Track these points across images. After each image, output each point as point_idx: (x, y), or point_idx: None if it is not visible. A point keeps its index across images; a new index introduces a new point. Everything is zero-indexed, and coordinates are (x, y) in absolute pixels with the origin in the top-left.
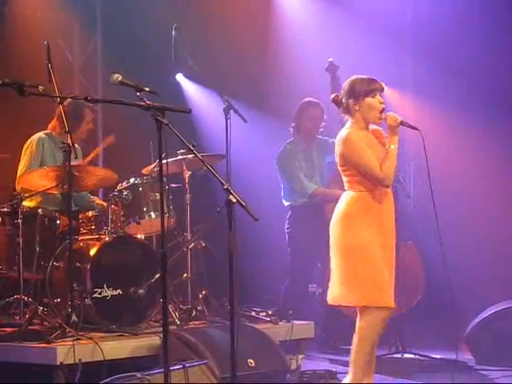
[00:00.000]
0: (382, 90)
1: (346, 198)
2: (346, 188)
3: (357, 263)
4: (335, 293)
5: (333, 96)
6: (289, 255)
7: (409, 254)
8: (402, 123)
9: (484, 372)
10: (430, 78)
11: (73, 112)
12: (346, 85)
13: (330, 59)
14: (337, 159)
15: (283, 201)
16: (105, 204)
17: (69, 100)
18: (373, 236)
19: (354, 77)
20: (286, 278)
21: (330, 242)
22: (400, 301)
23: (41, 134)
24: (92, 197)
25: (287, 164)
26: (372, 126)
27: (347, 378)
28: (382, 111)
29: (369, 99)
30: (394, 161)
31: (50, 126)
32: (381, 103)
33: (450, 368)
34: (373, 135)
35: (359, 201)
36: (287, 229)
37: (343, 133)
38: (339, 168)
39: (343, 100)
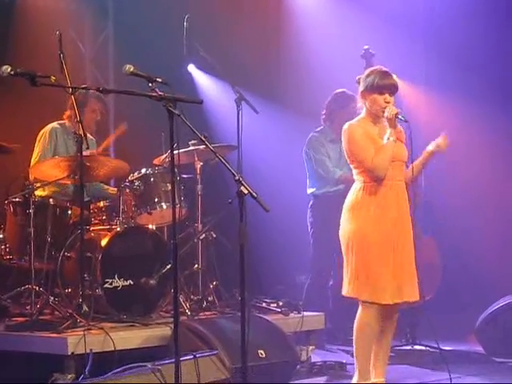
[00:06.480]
0: (394, 89)
1: (352, 188)
2: (354, 179)
3: (353, 256)
4: (343, 285)
5: (358, 77)
6: (311, 247)
7: (427, 247)
8: (396, 116)
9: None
10: (442, 70)
11: (76, 98)
12: (364, 73)
13: (366, 46)
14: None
15: (307, 189)
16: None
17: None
18: (370, 229)
19: (376, 67)
20: (308, 274)
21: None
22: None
23: (54, 125)
24: (105, 186)
25: (314, 150)
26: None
27: (354, 378)
28: (384, 108)
29: (376, 95)
30: (387, 153)
31: (65, 115)
32: (386, 102)
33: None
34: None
35: (362, 192)
36: (310, 218)
37: (345, 125)
38: (347, 159)
39: (359, 87)
